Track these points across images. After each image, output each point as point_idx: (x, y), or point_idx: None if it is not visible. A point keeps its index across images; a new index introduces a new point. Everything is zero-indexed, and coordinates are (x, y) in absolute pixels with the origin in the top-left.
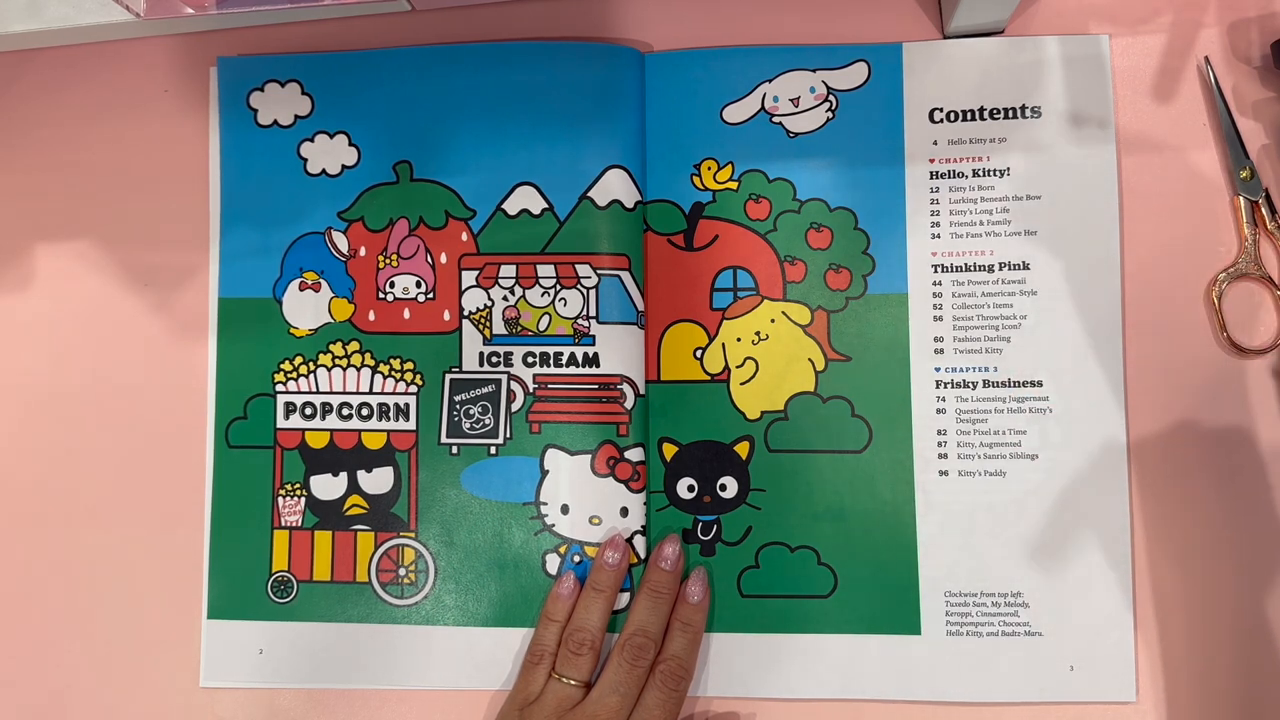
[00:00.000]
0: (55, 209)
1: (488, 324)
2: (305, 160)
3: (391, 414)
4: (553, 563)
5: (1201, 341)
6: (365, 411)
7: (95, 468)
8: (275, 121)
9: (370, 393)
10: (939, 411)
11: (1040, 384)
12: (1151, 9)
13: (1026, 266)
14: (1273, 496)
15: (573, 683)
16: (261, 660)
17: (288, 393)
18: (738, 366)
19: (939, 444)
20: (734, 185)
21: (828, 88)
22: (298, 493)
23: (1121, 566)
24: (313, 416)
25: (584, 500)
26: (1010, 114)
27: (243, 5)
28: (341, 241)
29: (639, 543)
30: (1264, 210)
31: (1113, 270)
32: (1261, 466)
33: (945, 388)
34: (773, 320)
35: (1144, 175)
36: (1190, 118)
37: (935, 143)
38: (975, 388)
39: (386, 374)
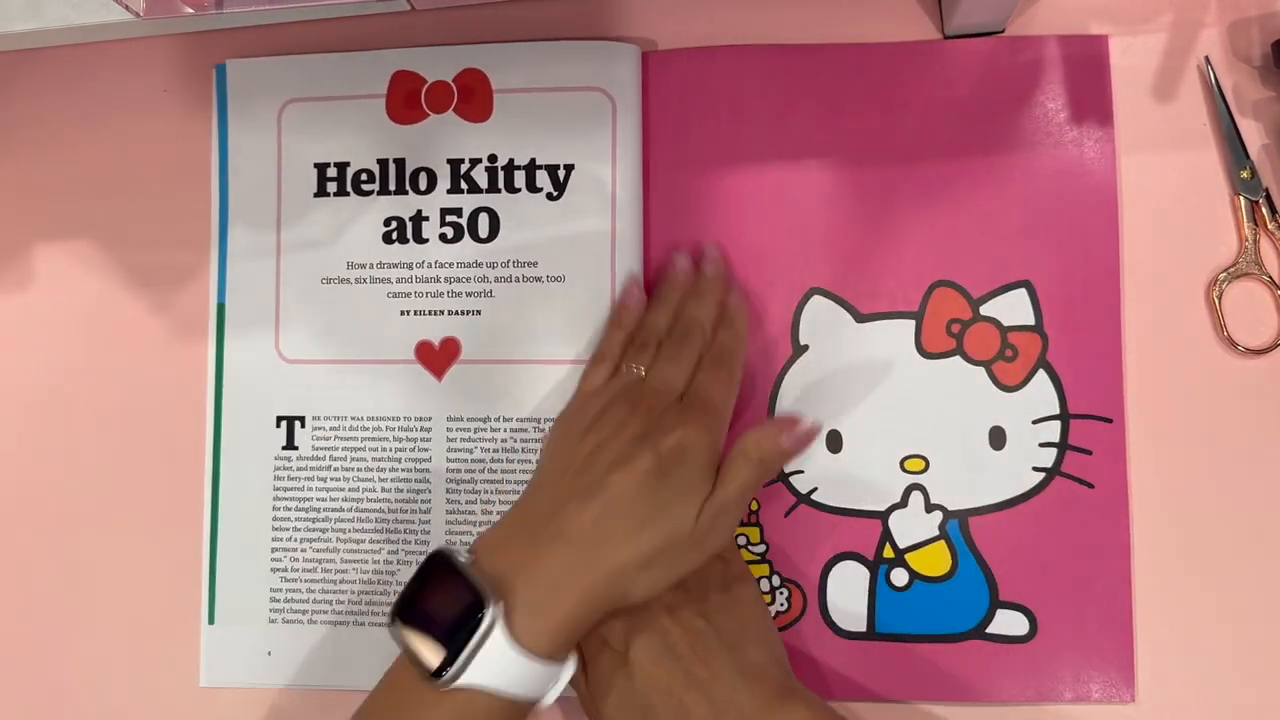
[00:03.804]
0: (55, 209)
1: None
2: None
3: None
4: None
5: (1201, 341)
6: None
7: (94, 468)
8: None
9: None
10: None
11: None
12: (1151, 9)
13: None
14: (1273, 496)
15: (639, 369)
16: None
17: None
18: None
19: None
20: None
21: None
22: None
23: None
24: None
25: None
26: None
27: (243, 5)
28: None
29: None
30: (1264, 210)
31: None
32: (1262, 466)
33: None
34: None
35: (1144, 175)
36: (1190, 118)
37: None
38: None
39: None
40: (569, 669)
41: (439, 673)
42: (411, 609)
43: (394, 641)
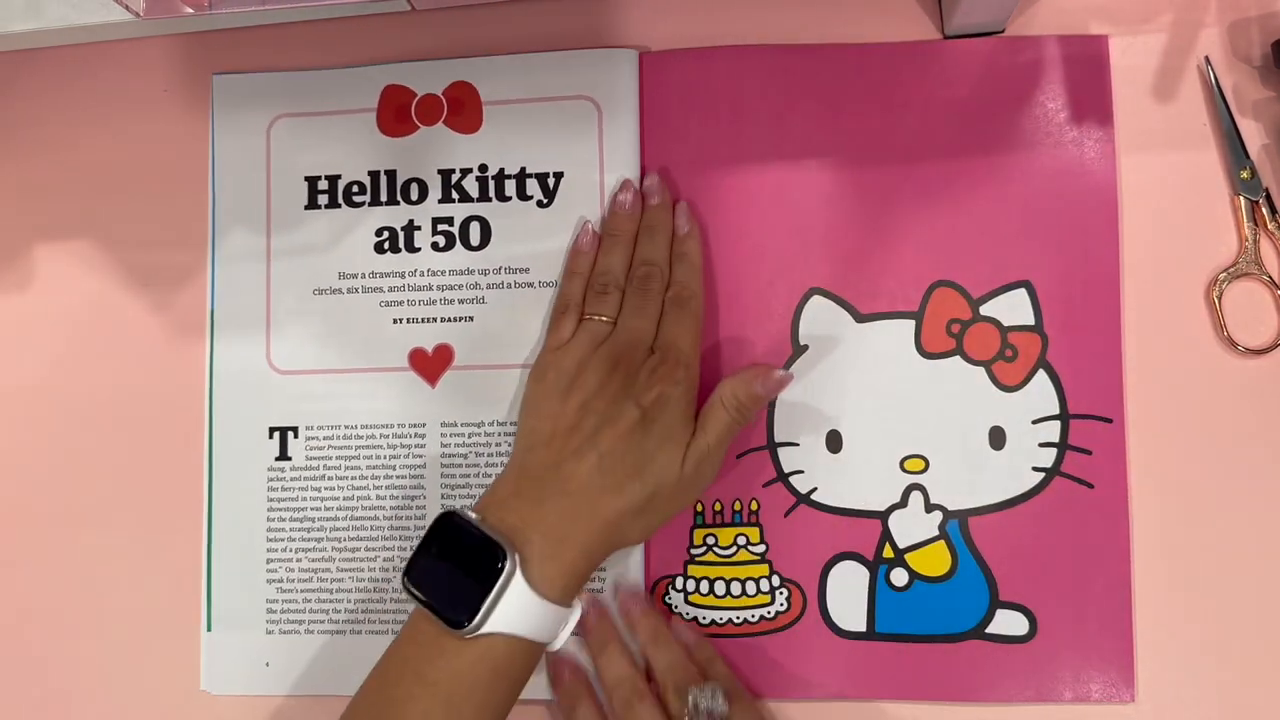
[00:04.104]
0: (55, 209)
1: None
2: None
3: None
4: None
5: (1201, 341)
6: None
7: (95, 468)
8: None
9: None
10: None
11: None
12: (1151, 9)
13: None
14: (1273, 496)
15: (603, 319)
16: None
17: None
18: None
19: None
20: None
21: None
22: None
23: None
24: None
25: None
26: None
27: (242, 5)
28: None
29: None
30: (1264, 210)
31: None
32: (1262, 467)
33: None
34: None
35: (1144, 175)
36: (1190, 118)
37: None
38: None
39: None
40: (576, 612)
41: (463, 621)
42: (431, 565)
43: (411, 598)
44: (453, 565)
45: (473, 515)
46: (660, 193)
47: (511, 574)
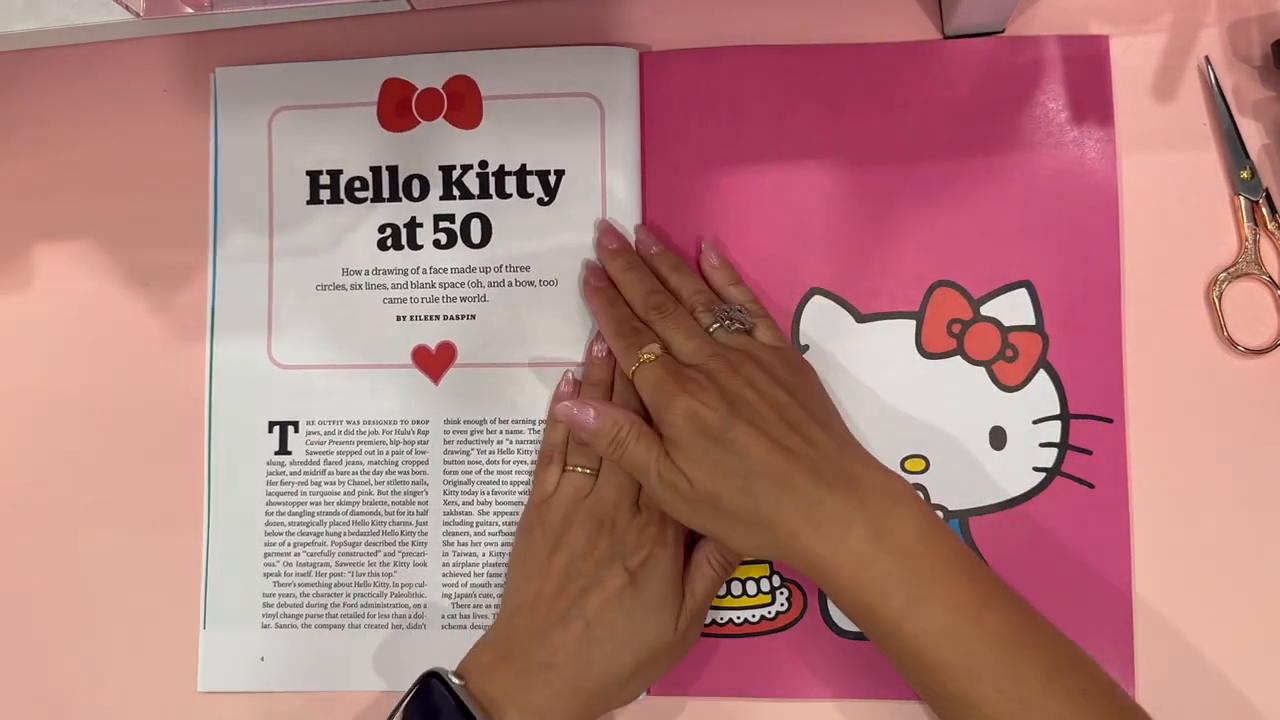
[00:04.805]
0: (55, 209)
1: None
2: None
3: None
4: None
5: (1201, 341)
6: None
7: (95, 468)
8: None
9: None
10: None
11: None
12: (1151, 9)
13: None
14: (1273, 496)
15: (585, 470)
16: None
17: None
18: None
19: None
20: None
21: None
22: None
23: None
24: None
25: None
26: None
27: (242, 5)
28: None
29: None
30: (1264, 210)
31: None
32: (1262, 466)
33: None
34: None
35: (1144, 175)
36: (1190, 118)
37: None
38: None
39: None
40: None
41: None
42: None
43: None
44: None
45: (455, 680)
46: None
47: None
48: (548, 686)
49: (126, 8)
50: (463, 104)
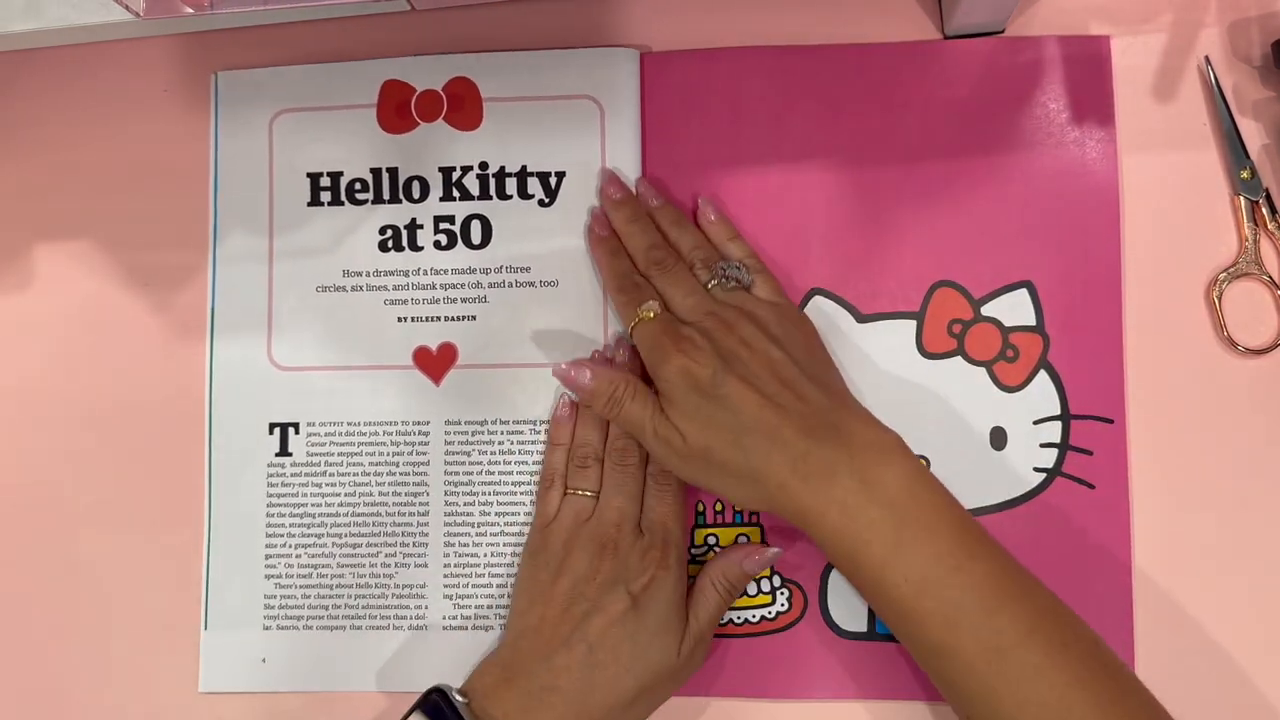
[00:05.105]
0: (55, 209)
1: None
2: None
3: None
4: None
5: (1201, 341)
6: None
7: (95, 469)
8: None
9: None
10: None
11: None
12: (1151, 9)
13: None
14: (1273, 496)
15: (586, 493)
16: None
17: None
18: None
19: None
20: None
21: None
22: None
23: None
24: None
25: None
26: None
27: (242, 5)
28: None
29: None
30: (1264, 210)
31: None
32: (1263, 467)
33: None
34: None
35: (1144, 175)
36: (1190, 118)
37: None
38: None
39: None
40: None
41: None
42: None
43: None
44: None
45: (459, 698)
46: (628, 360)
47: None
48: (551, 710)
49: (126, 8)
50: (463, 106)
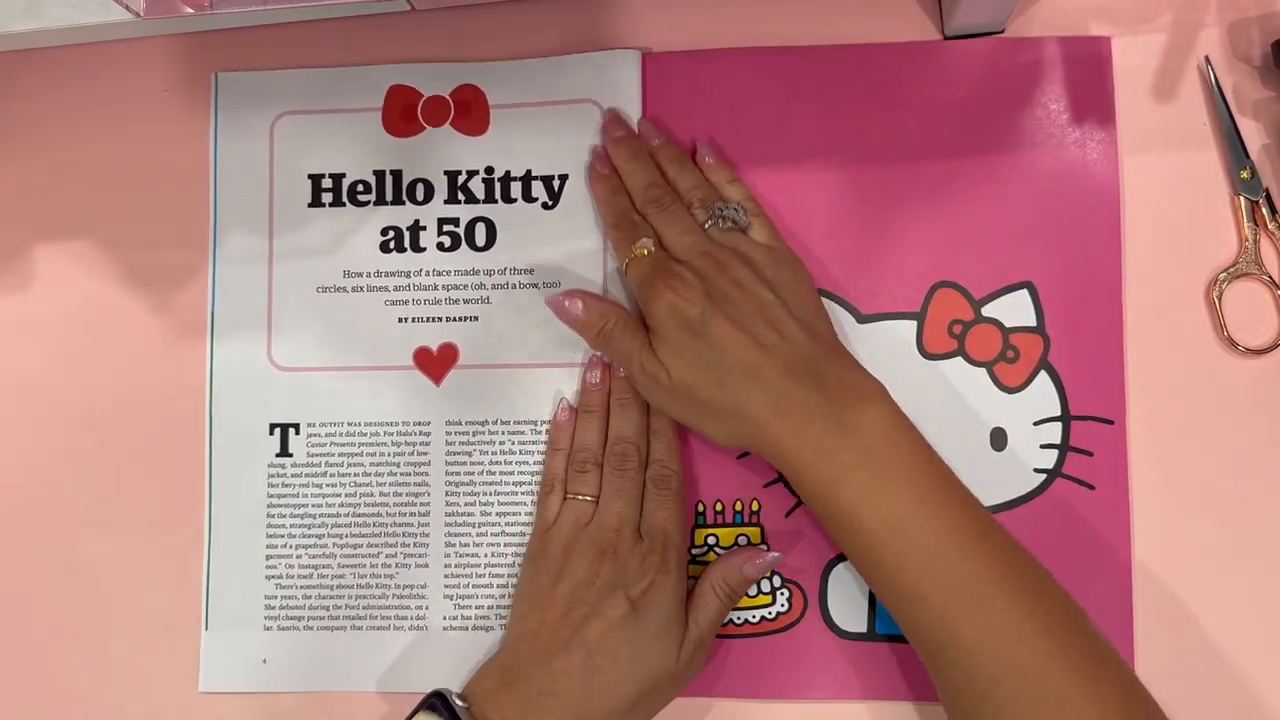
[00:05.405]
0: (55, 209)
1: None
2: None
3: None
4: None
5: (1201, 341)
6: None
7: (95, 469)
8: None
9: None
10: None
11: None
12: (1152, 9)
13: None
14: (1273, 496)
15: (585, 498)
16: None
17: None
18: None
19: None
20: None
21: None
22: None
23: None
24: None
25: None
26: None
27: (242, 5)
28: None
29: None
30: (1264, 210)
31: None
32: (1263, 467)
33: None
34: None
35: (1144, 175)
36: (1190, 118)
37: None
38: None
39: None
40: None
41: None
42: None
43: None
44: None
45: (459, 702)
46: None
47: None
48: (550, 714)
49: (126, 8)
50: (470, 112)
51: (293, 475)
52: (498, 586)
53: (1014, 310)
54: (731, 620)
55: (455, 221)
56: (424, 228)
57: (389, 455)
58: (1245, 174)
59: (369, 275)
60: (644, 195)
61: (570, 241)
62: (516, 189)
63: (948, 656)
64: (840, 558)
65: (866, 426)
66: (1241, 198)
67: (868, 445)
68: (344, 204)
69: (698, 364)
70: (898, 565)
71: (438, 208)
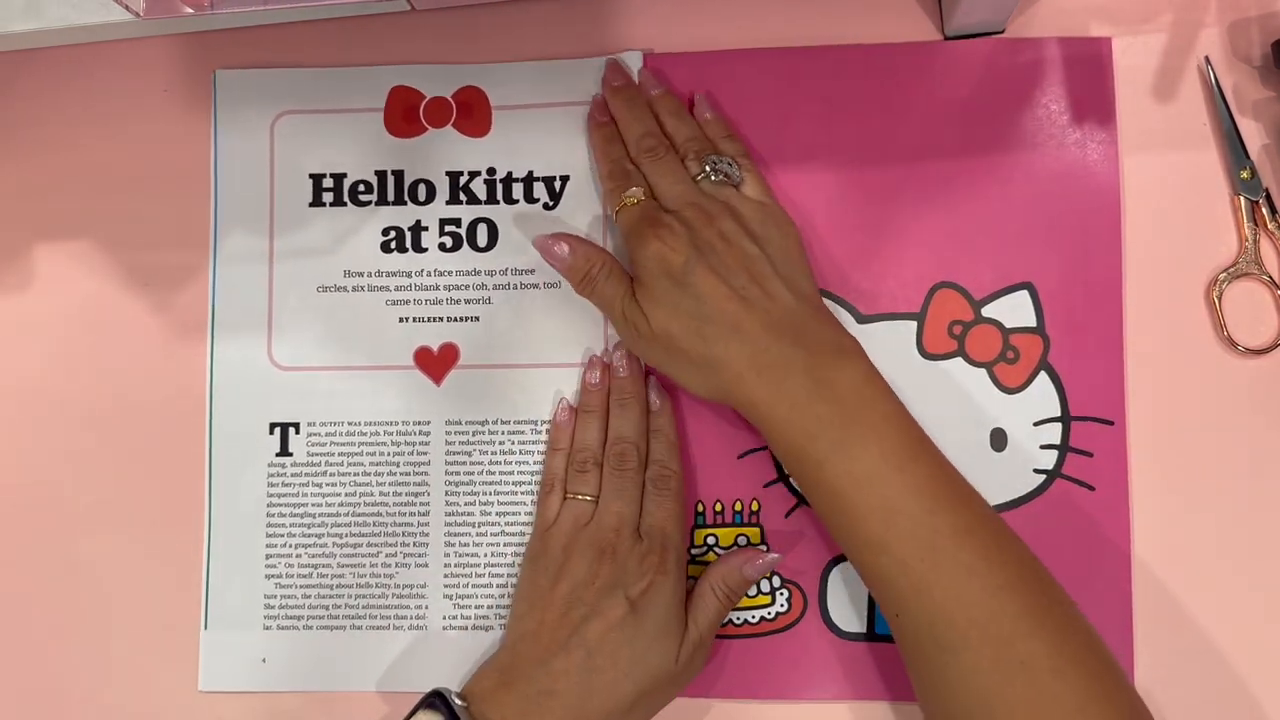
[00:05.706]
0: (55, 209)
1: None
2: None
3: None
4: None
5: (1201, 341)
6: None
7: (95, 469)
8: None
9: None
10: None
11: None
12: (1152, 9)
13: None
14: (1273, 496)
15: (585, 498)
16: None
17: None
18: None
19: None
20: None
21: None
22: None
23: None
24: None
25: None
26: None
27: (242, 5)
28: None
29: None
30: (1264, 210)
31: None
32: (1263, 467)
33: None
34: None
35: (1144, 176)
36: (1190, 118)
37: None
38: None
39: None
40: None
41: None
42: None
43: None
44: None
45: (458, 702)
46: (627, 366)
47: None
48: (549, 714)
49: (126, 8)
50: (472, 113)
51: (293, 475)
52: (497, 586)
53: (1014, 311)
54: (731, 620)
55: (457, 222)
56: (426, 228)
57: (389, 455)
58: (1245, 174)
59: (370, 275)
60: (638, 144)
61: None
62: (518, 190)
63: (910, 603)
64: (840, 558)
65: (841, 381)
66: (1241, 198)
67: (840, 398)
68: (345, 204)
69: (678, 313)
70: (864, 516)
71: (439, 208)
